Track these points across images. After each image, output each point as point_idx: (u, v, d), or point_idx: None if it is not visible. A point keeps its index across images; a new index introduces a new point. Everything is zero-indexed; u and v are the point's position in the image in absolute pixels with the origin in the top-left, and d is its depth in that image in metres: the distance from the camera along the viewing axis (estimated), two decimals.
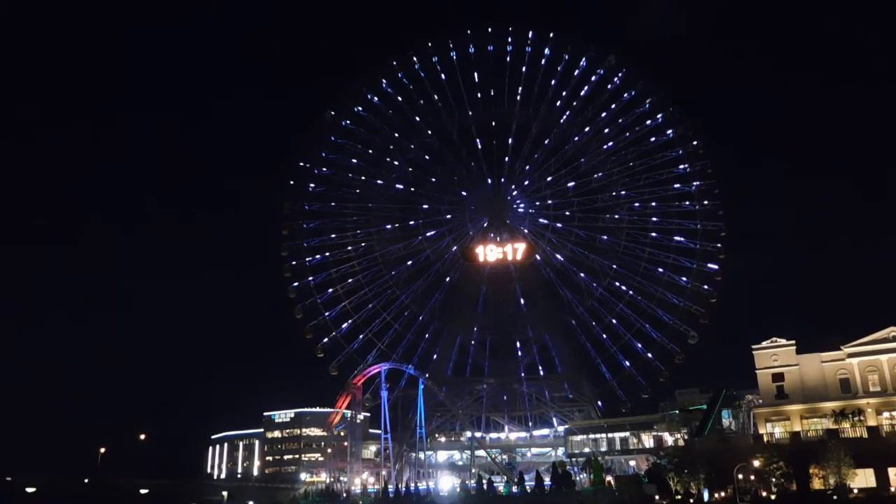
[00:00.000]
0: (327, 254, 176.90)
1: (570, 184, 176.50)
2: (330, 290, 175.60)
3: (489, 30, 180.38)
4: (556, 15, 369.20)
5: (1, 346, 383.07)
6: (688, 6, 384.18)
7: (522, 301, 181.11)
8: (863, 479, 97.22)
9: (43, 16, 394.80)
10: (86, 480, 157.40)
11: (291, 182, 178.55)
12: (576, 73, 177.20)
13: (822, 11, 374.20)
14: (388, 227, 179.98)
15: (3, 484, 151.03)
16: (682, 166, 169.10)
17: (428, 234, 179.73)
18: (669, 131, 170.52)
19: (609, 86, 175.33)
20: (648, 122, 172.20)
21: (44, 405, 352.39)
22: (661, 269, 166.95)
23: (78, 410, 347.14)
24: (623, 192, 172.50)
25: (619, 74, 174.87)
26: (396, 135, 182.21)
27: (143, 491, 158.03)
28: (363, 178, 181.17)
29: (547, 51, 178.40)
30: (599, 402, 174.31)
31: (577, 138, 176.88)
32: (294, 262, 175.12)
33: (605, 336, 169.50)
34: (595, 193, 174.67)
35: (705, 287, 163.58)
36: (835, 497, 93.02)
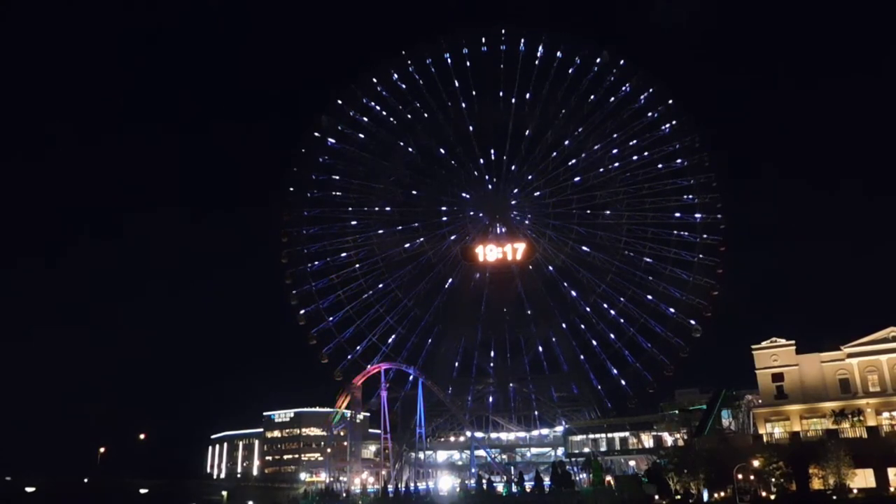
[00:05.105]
0: (328, 259, 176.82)
1: (569, 182, 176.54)
2: (332, 295, 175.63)
3: (483, 31, 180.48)
4: (550, 15, 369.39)
5: (1, 345, 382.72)
6: (685, 4, 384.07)
7: (525, 300, 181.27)
8: (862, 479, 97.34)
9: (37, 21, 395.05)
10: (86, 480, 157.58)
11: (289, 188, 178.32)
12: (570, 70, 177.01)
13: (819, 10, 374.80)
14: (389, 230, 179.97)
15: (2, 484, 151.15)
16: (679, 161, 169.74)
17: (428, 236, 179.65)
18: (665, 126, 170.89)
19: (604, 83, 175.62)
20: (645, 118, 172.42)
21: (44, 405, 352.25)
22: (662, 264, 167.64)
23: (78, 410, 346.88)
24: (622, 189, 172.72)
25: (614, 71, 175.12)
26: (394, 138, 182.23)
27: (142, 491, 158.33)
28: (362, 182, 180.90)
29: (541, 49, 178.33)
30: (606, 399, 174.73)
31: (574, 136, 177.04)
32: (295, 269, 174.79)
33: (609, 332, 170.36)
34: (594, 190, 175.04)
35: (707, 280, 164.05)
36: (834, 497, 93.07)
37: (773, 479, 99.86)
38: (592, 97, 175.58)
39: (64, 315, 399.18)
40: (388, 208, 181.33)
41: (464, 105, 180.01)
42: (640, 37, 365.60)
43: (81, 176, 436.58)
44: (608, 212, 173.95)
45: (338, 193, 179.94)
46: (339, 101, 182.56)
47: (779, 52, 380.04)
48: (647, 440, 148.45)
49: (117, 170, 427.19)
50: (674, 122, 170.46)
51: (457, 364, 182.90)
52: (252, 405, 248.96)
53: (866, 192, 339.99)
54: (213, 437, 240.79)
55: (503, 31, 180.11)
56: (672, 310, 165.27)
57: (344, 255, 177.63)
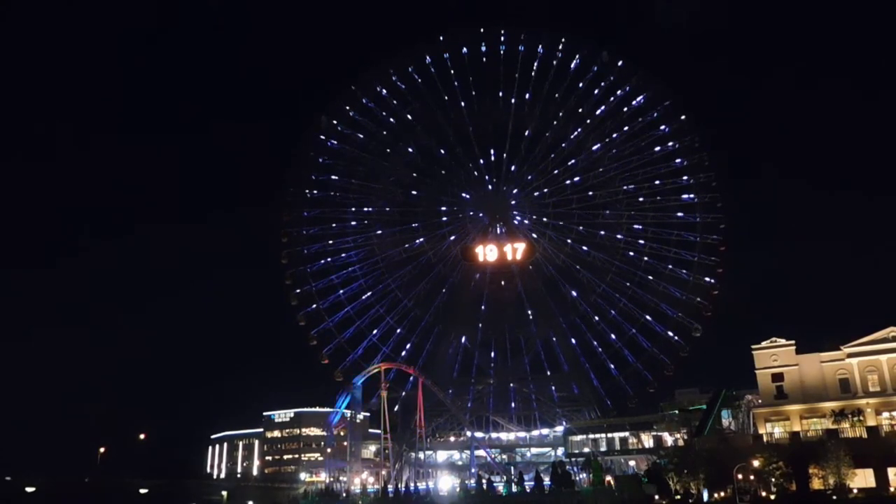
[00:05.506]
0: (328, 259, 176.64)
1: (569, 181, 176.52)
2: (332, 295, 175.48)
3: (483, 31, 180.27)
4: (550, 15, 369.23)
5: (1, 345, 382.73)
6: (685, 4, 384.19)
7: (525, 300, 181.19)
8: (862, 479, 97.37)
9: (37, 21, 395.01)
10: (86, 480, 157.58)
11: (289, 188, 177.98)
12: (570, 70, 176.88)
13: (818, 10, 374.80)
14: (389, 230, 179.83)
15: (2, 484, 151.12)
16: (679, 160, 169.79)
17: (428, 236, 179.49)
18: (665, 126, 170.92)
19: (604, 83, 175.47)
20: (645, 117, 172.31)
21: (44, 405, 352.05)
22: (662, 264, 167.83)
23: (78, 410, 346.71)
24: (621, 188, 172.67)
25: (614, 71, 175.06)
26: (394, 138, 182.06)
27: (142, 491, 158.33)
28: (362, 182, 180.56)
29: (541, 49, 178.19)
30: (606, 399, 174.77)
31: (573, 136, 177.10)
32: (295, 269, 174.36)
33: (609, 332, 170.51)
34: (594, 190, 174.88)
35: (707, 279, 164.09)
36: (834, 497, 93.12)
37: (773, 479, 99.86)
38: (592, 97, 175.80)
39: (64, 315, 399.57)
40: (388, 208, 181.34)
41: (464, 105, 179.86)
42: (640, 37, 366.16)
43: (81, 176, 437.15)
44: (608, 211, 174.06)
45: (338, 194, 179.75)
46: (339, 102, 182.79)
47: (779, 52, 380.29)
48: (647, 440, 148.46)
49: (117, 170, 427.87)
50: (674, 123, 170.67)
51: (457, 364, 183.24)
52: (252, 405, 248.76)
53: (866, 192, 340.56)
54: (213, 437, 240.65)
55: (503, 31, 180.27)
56: (672, 310, 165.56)
57: (344, 255, 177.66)
